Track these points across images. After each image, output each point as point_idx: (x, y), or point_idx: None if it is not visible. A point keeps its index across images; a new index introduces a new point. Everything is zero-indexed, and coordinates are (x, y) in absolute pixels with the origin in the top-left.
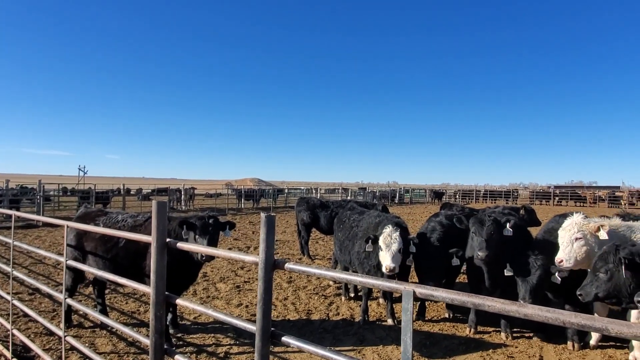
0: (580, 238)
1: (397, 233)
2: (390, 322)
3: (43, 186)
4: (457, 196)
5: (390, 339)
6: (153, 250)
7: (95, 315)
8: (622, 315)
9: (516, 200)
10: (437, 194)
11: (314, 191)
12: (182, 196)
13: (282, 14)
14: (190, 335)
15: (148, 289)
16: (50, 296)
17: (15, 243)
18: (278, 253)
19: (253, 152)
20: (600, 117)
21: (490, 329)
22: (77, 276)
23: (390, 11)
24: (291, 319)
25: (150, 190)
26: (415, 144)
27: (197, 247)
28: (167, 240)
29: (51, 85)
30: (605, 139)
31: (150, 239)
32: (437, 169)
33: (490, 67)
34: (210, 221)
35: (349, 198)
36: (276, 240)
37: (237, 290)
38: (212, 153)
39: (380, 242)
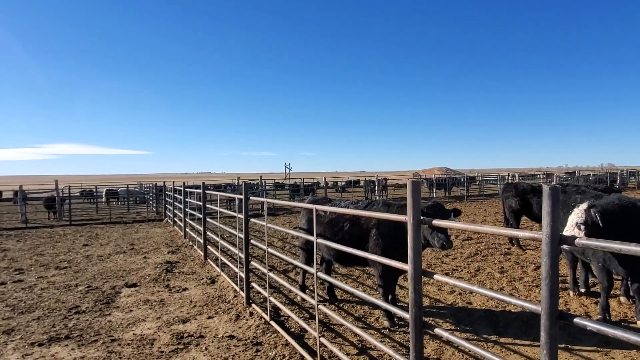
0: None
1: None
2: None
3: (264, 182)
4: None
5: None
6: (409, 227)
7: (352, 290)
8: None
9: None
10: None
11: (510, 178)
12: (376, 187)
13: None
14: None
15: (406, 266)
16: (284, 272)
17: (269, 225)
18: (482, 242)
19: (440, 142)
20: None
21: None
22: (310, 255)
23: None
24: (512, 310)
25: (344, 183)
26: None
27: (454, 224)
28: (422, 218)
29: (258, 103)
30: None
31: (405, 218)
32: None
33: None
34: (440, 208)
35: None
36: None
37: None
38: (398, 145)
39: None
